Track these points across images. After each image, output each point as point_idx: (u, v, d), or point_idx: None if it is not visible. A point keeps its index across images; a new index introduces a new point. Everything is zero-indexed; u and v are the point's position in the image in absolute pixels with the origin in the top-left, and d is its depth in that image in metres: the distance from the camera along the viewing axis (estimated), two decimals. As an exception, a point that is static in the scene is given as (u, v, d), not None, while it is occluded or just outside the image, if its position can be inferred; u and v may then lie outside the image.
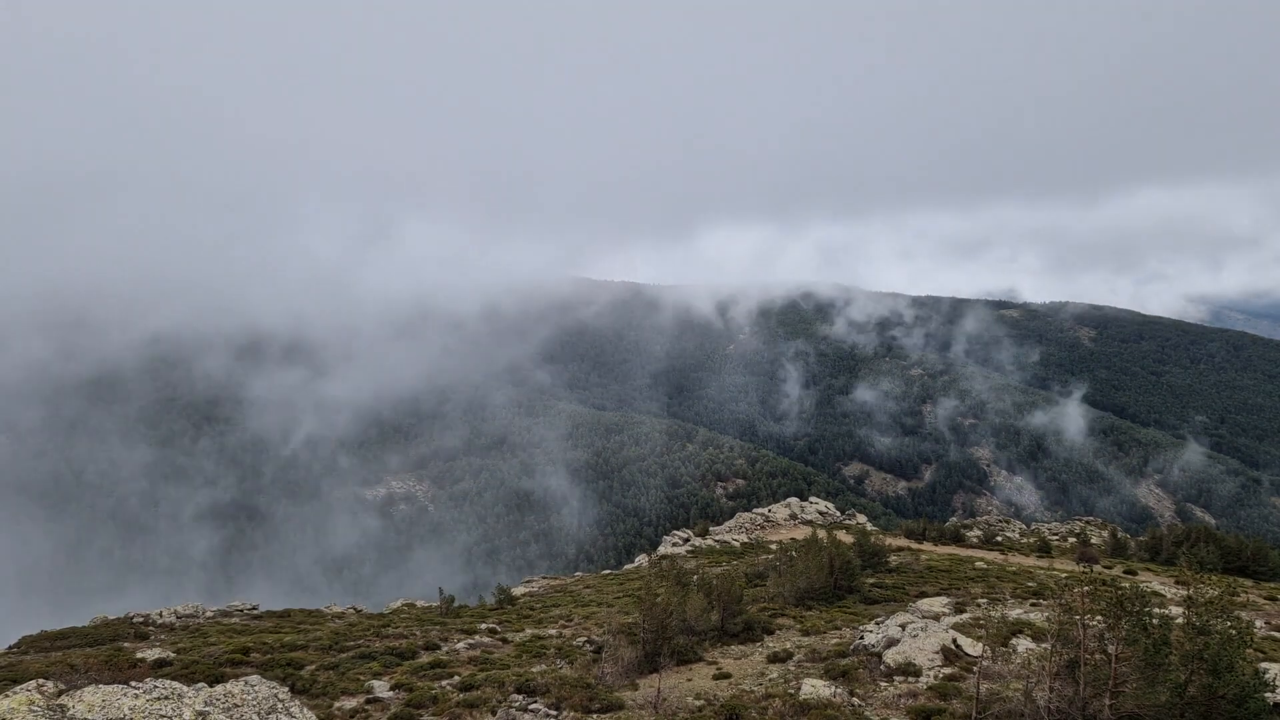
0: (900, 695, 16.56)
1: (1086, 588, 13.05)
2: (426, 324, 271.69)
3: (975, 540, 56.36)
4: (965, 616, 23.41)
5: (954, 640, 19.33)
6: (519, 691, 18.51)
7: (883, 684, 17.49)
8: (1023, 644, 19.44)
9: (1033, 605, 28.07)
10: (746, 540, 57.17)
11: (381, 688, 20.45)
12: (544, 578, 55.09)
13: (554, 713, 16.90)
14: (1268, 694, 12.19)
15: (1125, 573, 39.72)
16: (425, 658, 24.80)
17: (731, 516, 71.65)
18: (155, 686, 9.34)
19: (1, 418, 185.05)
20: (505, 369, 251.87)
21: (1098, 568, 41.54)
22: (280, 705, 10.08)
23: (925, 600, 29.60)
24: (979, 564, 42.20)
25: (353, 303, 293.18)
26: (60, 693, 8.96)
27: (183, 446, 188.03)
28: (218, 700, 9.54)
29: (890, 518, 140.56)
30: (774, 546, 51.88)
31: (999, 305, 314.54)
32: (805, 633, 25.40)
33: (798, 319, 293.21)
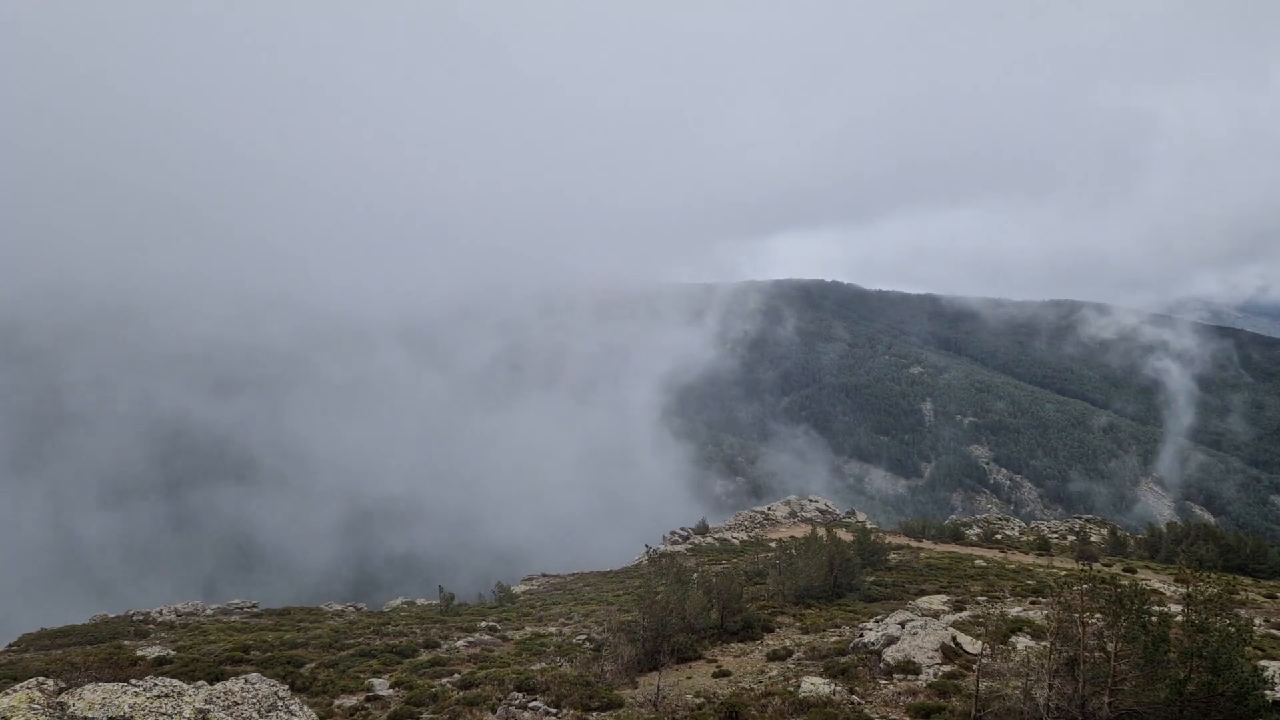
0: (900, 693, 16.58)
1: (1086, 585, 13.06)
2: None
3: (975, 538, 56.40)
4: (965, 614, 23.44)
5: (953, 638, 19.35)
6: (519, 689, 18.52)
7: (882, 682, 17.51)
8: (1022, 642, 19.46)
9: (1032, 603, 28.11)
10: (746, 538, 57.21)
11: (381, 685, 20.47)
12: (544, 575, 55.15)
13: (554, 710, 16.91)
14: (1267, 691, 12.21)
15: (1125, 570, 39.75)
16: (425, 655, 24.83)
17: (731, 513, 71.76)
18: (155, 684, 9.33)
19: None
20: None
21: (1097, 566, 41.58)
22: (280, 703, 10.08)
23: (925, 598, 29.65)
24: (978, 562, 42.23)
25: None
26: (60, 690, 8.96)
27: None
28: (218, 698, 9.54)
29: (890, 515, 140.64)
30: (774, 544, 51.91)
31: (997, 304, 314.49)
32: (805, 630, 25.43)
33: (794, 314, 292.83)
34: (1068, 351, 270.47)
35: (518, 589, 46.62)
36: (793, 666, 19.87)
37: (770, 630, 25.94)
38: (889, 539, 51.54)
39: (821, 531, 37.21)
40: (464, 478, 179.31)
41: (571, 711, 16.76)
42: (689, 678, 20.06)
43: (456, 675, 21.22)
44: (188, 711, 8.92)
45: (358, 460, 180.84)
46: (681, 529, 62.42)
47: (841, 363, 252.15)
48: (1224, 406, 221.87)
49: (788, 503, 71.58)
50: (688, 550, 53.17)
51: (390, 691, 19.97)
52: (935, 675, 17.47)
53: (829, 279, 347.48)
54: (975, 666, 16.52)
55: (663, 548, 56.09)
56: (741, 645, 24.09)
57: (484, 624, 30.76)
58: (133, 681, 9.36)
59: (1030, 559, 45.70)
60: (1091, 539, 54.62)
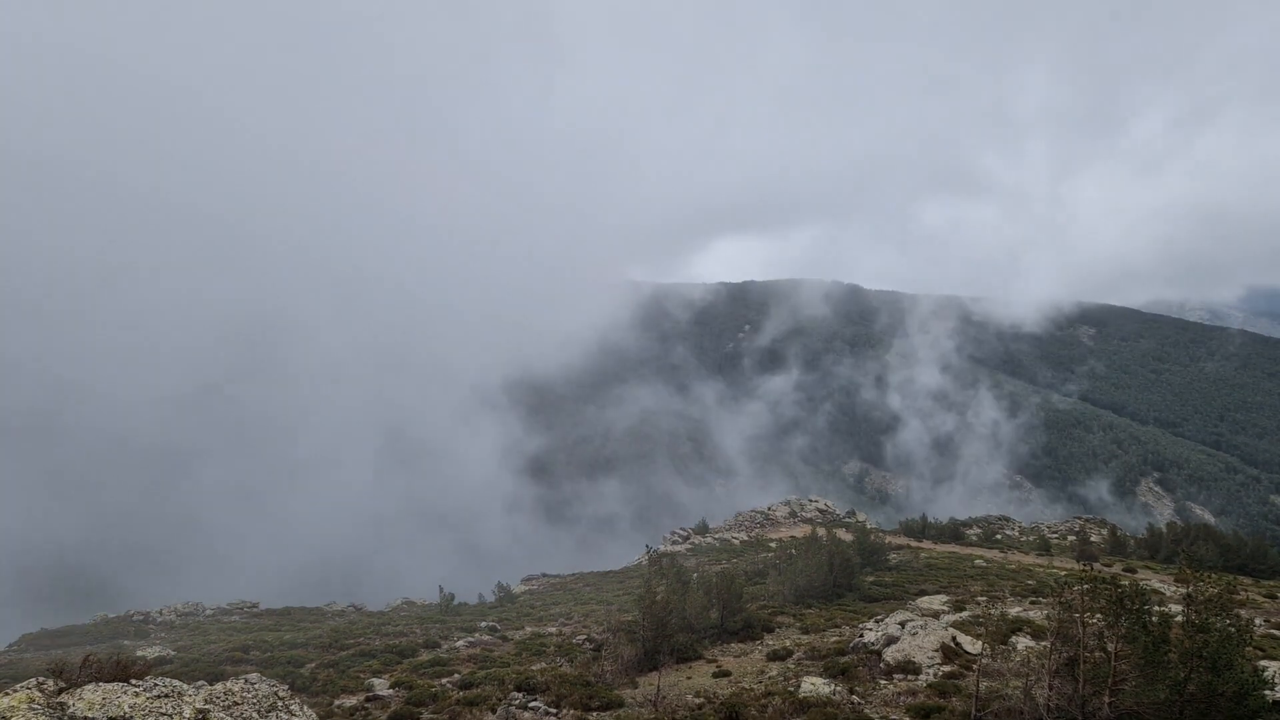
0: (900, 693, 16.57)
1: (1086, 586, 13.04)
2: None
3: (975, 538, 56.41)
4: (965, 614, 23.43)
5: (953, 638, 19.35)
6: (519, 689, 18.52)
7: (882, 682, 17.50)
8: (1022, 642, 19.46)
9: (1032, 603, 28.10)
10: (746, 538, 57.21)
11: (382, 685, 20.47)
12: (544, 576, 55.16)
13: (554, 710, 16.90)
14: (1266, 691, 12.20)
15: (1125, 571, 39.74)
16: (425, 655, 24.85)
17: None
18: (155, 684, 9.33)
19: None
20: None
21: (1097, 566, 41.57)
22: (280, 703, 10.07)
23: (925, 598, 29.66)
24: (978, 562, 42.24)
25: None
26: (60, 690, 8.95)
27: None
28: (218, 698, 9.54)
29: (890, 515, 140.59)
30: (774, 544, 51.92)
31: (993, 304, 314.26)
32: (805, 631, 25.44)
33: (790, 314, 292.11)
34: (1067, 352, 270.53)
35: (518, 589, 46.62)
36: (793, 666, 19.86)
37: (770, 630, 25.94)
38: (889, 539, 51.57)
39: (821, 532, 37.23)
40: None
41: (571, 711, 16.75)
42: (689, 678, 20.05)
43: (456, 675, 21.22)
44: (188, 712, 8.92)
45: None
46: (681, 529, 62.43)
47: (841, 362, 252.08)
48: (1222, 406, 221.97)
49: (788, 503, 71.60)
50: (688, 550, 53.18)
51: (390, 691, 19.96)
52: (935, 675, 17.46)
53: (829, 279, 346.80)
54: (975, 666, 16.51)
55: (663, 548, 56.08)
56: (741, 645, 24.08)
57: (484, 624, 30.77)
58: (133, 682, 9.35)
59: (1030, 559, 45.69)
60: (1091, 539, 54.61)
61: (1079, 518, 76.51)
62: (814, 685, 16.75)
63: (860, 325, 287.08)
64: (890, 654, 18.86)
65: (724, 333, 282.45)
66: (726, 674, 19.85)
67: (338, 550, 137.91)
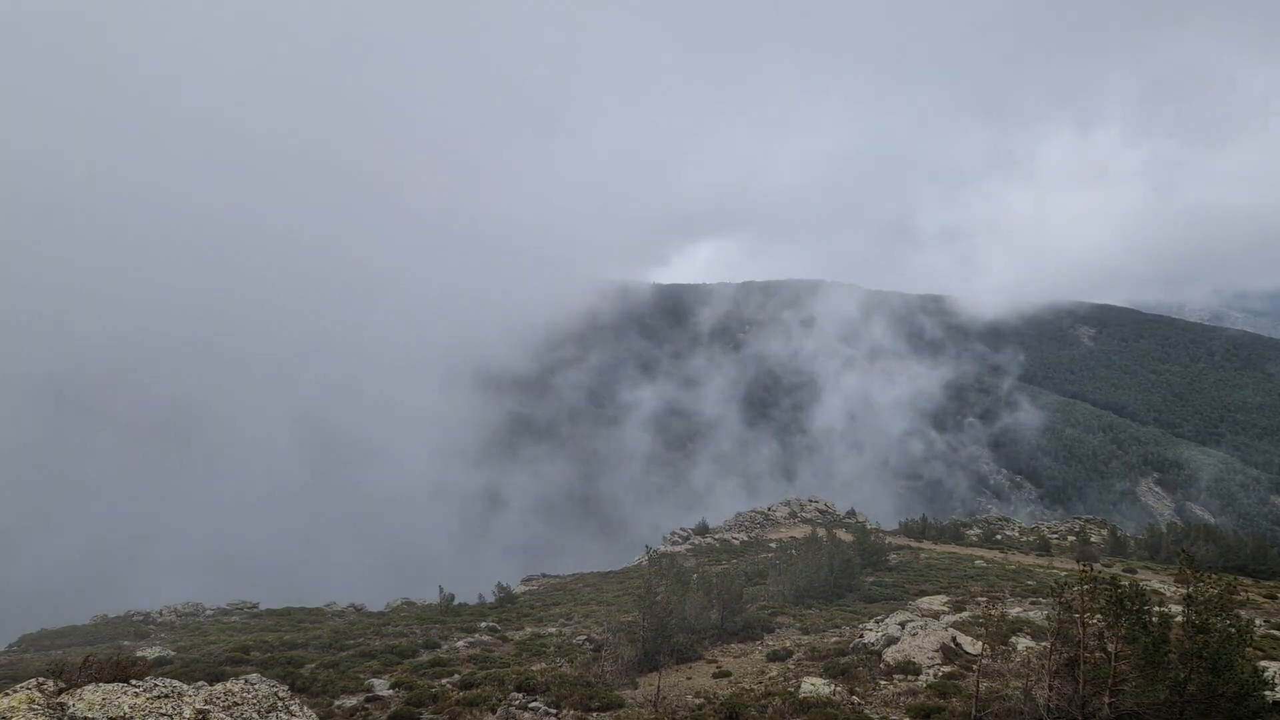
0: (900, 693, 16.57)
1: (1086, 586, 13.04)
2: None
3: (975, 539, 56.39)
4: (965, 615, 23.42)
5: (953, 638, 19.35)
6: (519, 689, 18.52)
7: (882, 682, 17.50)
8: (1022, 642, 19.47)
9: (1032, 603, 28.10)
10: (746, 538, 57.20)
11: (382, 686, 20.46)
12: (544, 576, 55.15)
13: (554, 711, 16.90)
14: (1266, 692, 12.20)
15: (1125, 571, 39.72)
16: (425, 656, 24.84)
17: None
18: (155, 685, 9.32)
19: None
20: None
21: (1097, 566, 41.50)
22: (280, 703, 10.07)
23: (925, 598, 29.66)
24: (978, 562, 42.24)
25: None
26: (60, 691, 8.95)
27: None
28: (218, 699, 9.53)
29: (889, 515, 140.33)
30: (774, 545, 51.93)
31: (991, 303, 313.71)
32: (805, 631, 25.45)
33: (777, 311, 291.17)
34: (1066, 352, 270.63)
35: (518, 589, 46.61)
36: (793, 667, 19.87)
37: (770, 630, 25.96)
38: (889, 539, 51.60)
39: (821, 532, 37.25)
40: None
41: (571, 712, 16.75)
42: (689, 678, 20.06)
43: (456, 676, 21.21)
44: (188, 712, 8.92)
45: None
46: (681, 529, 62.40)
47: (838, 361, 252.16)
48: (1222, 406, 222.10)
49: (788, 503, 71.56)
50: (688, 551, 53.18)
51: (390, 692, 19.95)
52: (935, 676, 17.46)
53: (829, 279, 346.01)
54: (975, 667, 16.51)
55: (663, 548, 56.05)
56: (741, 645, 24.10)
57: (484, 624, 30.76)
58: (133, 682, 9.35)
59: (1030, 559, 45.69)
60: (1091, 539, 54.61)
61: (1079, 518, 76.50)
62: (814, 686, 16.75)
63: (844, 321, 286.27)
64: (890, 654, 18.87)
65: (696, 329, 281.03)
66: (726, 674, 19.86)
67: (292, 549, 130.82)
